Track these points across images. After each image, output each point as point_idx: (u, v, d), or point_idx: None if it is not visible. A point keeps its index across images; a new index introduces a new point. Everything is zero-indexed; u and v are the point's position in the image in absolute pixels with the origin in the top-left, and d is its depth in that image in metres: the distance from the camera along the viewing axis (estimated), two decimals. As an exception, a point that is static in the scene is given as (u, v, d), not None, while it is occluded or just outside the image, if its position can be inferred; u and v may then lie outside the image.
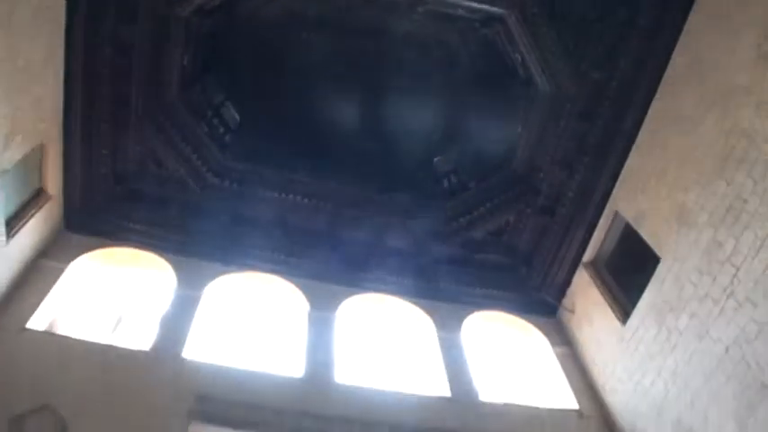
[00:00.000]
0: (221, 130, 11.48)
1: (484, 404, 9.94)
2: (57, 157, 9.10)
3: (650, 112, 9.78)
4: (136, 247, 10.44)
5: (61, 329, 10.46)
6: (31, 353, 7.99)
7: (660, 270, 8.89)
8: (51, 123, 8.74)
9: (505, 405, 12.21)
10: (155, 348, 8.95)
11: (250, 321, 11.34)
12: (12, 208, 8.29)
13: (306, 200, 11.54)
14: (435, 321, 10.91)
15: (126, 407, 7.62)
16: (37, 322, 8.69)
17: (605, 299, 10.13)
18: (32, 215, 8.75)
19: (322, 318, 10.32)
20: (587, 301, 10.63)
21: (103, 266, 10.44)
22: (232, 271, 10.66)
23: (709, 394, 7.57)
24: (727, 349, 7.39)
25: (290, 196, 11.52)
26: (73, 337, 10.54)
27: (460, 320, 11.05)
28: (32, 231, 8.92)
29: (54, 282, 9.20)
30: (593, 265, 10.73)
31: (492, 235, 11.91)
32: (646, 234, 9.39)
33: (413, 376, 10.87)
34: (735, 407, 7.13)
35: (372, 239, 11.65)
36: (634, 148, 10.04)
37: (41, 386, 7.48)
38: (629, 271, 9.91)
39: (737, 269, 7.44)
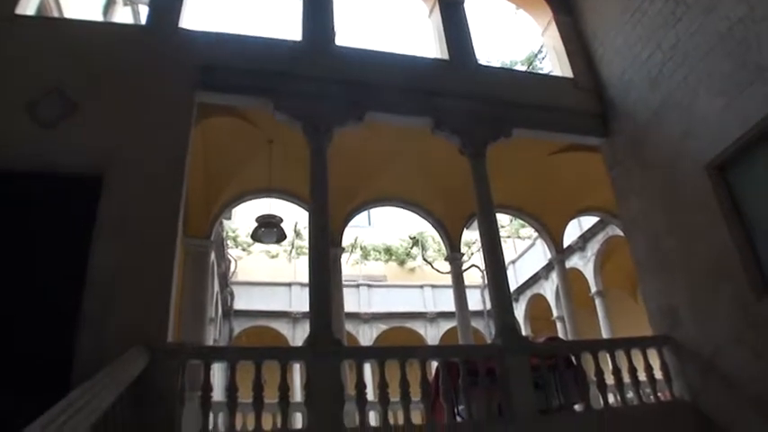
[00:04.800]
0: None
1: (481, 68, 10.13)
2: None
3: None
4: None
5: (53, 13, 10.07)
6: (28, 40, 7.67)
7: (677, -66, 8.32)
8: None
9: (503, 69, 12.51)
10: (152, 22, 8.71)
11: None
12: None
13: None
14: (436, -14, 10.43)
15: (130, 82, 7.63)
16: (26, 8, 8.23)
17: (615, -36, 9.61)
18: None
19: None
20: (595, -32, 10.10)
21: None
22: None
23: (704, 71, 7.76)
24: (731, 27, 7.36)
25: None
26: (67, 18, 10.17)
27: (463, -15, 10.56)
28: None
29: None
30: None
31: None
32: None
33: (412, 41, 10.83)
34: (726, 86, 7.37)
35: None
36: None
37: (46, 71, 7.39)
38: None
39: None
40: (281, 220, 12.80)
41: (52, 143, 6.92)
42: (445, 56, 9.78)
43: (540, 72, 14.85)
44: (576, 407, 7.69)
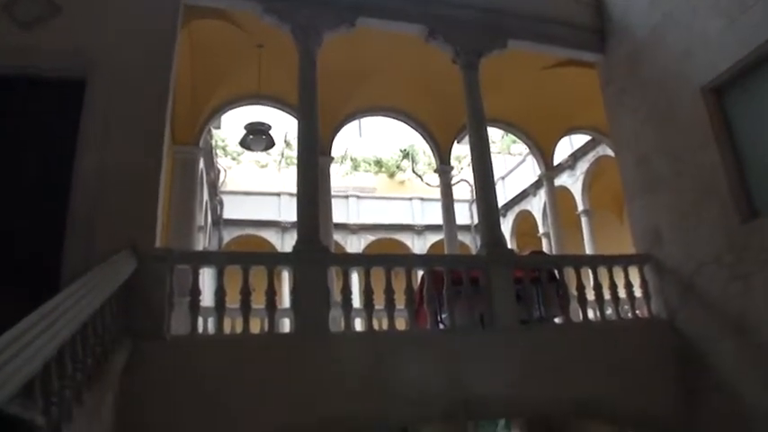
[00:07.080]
0: None
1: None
2: None
3: None
4: None
5: None
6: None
7: None
8: None
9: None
10: None
11: None
12: None
13: None
14: None
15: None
16: None
17: None
18: None
19: None
20: None
21: None
22: None
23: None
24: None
25: None
26: None
27: None
28: None
29: None
30: None
31: None
32: None
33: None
34: (727, 5, 7.15)
35: None
36: None
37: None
38: None
39: None
40: (270, 127, 12.68)
41: (33, 45, 6.56)
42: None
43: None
44: (556, 319, 7.91)
